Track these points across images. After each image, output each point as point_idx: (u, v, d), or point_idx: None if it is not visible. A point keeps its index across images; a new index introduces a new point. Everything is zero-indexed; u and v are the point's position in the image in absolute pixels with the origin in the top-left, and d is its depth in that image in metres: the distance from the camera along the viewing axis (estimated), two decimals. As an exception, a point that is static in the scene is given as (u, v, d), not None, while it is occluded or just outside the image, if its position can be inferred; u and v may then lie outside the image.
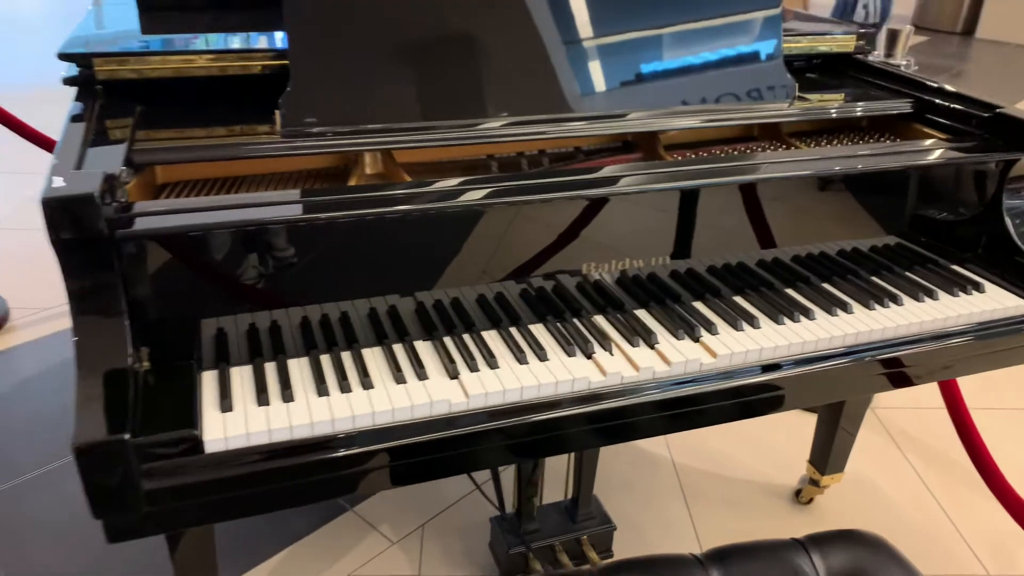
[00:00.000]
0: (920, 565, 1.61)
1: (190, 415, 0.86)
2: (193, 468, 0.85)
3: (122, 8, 1.50)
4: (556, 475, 1.78)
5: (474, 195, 0.99)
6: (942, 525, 1.73)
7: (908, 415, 2.07)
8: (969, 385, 2.21)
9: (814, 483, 1.75)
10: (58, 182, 0.84)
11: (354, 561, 1.58)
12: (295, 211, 0.94)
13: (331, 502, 1.71)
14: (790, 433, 1.98)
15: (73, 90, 1.16)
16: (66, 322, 2.30)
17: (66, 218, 0.82)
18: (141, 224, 0.88)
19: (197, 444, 0.85)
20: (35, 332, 2.28)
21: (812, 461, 1.74)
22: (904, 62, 1.78)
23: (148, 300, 0.91)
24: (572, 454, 1.53)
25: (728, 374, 1.04)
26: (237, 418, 0.88)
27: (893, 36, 1.80)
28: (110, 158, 0.94)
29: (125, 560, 1.56)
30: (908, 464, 1.90)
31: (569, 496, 1.59)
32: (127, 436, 0.80)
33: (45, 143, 2.34)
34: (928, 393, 2.10)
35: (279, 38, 1.26)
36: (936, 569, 1.62)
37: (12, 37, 6.06)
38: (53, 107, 3.98)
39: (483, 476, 1.76)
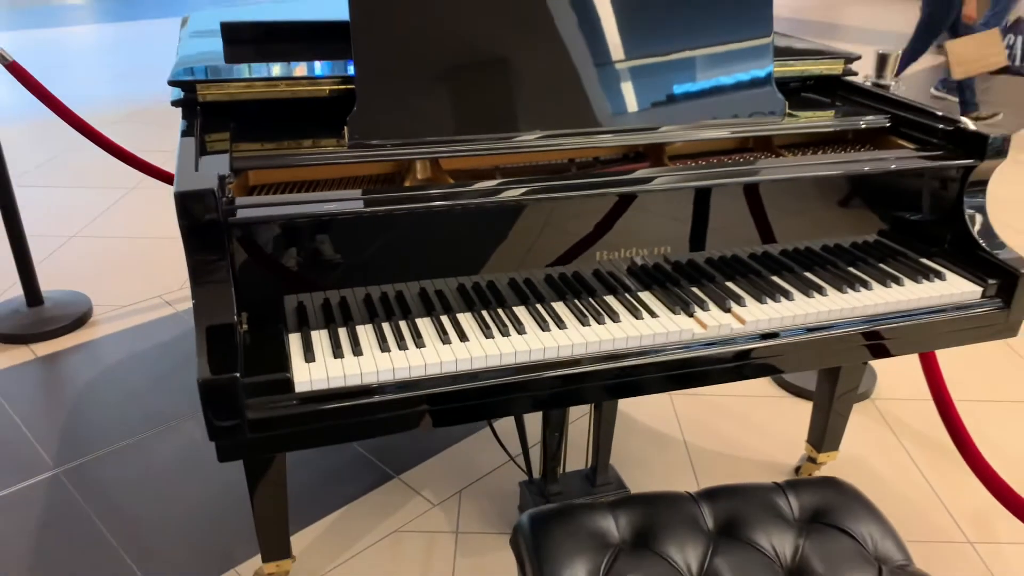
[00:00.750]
0: (906, 532, 1.80)
1: (283, 363, 1.10)
2: (285, 403, 1.08)
3: (206, 39, 1.77)
4: (577, 448, 2.00)
5: (512, 193, 1.22)
6: (928, 498, 1.91)
7: (905, 405, 2.25)
8: (955, 377, 2.38)
9: (811, 460, 1.94)
10: (185, 181, 1.09)
11: (399, 520, 1.80)
12: (359, 205, 1.17)
13: (378, 470, 1.94)
14: (792, 420, 2.17)
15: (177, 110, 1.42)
16: (142, 318, 2.58)
17: (193, 207, 1.06)
18: (243, 214, 1.13)
19: (289, 384, 1.08)
20: (115, 327, 2.55)
21: (810, 440, 1.93)
22: (892, 83, 1.98)
23: (247, 274, 1.15)
24: (591, 427, 1.74)
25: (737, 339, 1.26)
26: (319, 367, 1.11)
27: (883, 60, 2.00)
28: (218, 164, 1.19)
29: (208, 516, 1.80)
30: (901, 447, 2.08)
31: (589, 464, 1.80)
32: (238, 375, 1.04)
33: (127, 158, 2.62)
34: (923, 386, 2.28)
35: (339, 67, 1.50)
36: (921, 536, 1.80)
37: (74, 59, 6.46)
38: (118, 126, 4.28)
39: (515, 448, 1.98)
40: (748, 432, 2.12)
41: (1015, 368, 2.45)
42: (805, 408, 2.21)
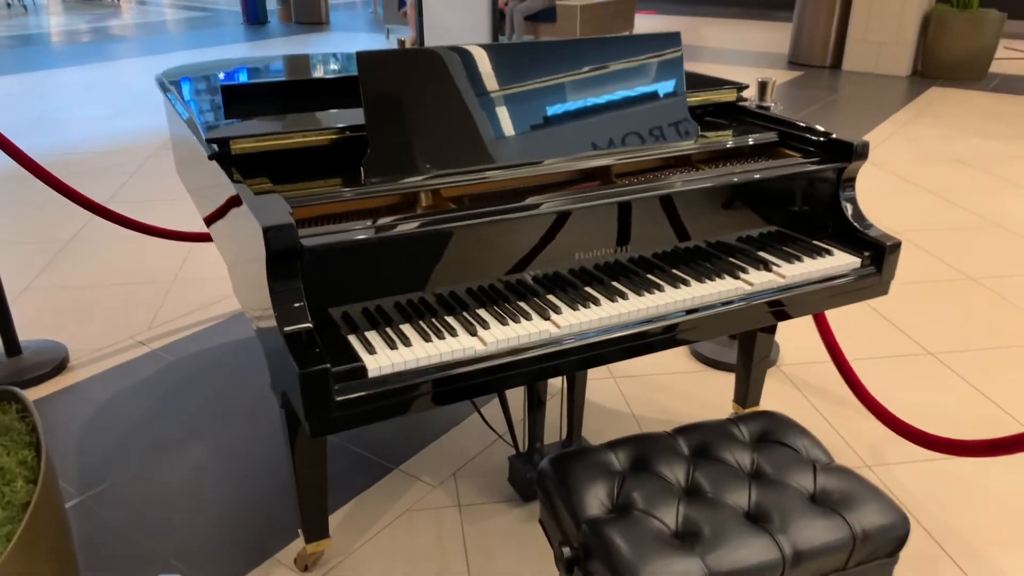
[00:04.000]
0: (819, 463, 2.21)
1: (354, 356, 1.39)
2: (362, 386, 1.37)
3: (205, 100, 2.02)
4: (552, 426, 2.33)
5: (495, 215, 1.56)
6: (833, 437, 2.35)
7: (804, 368, 2.71)
8: (848, 340, 2.87)
9: (739, 416, 2.35)
10: (267, 218, 1.36)
11: (407, 502, 2.08)
12: (404, 228, 1.48)
13: (379, 465, 2.21)
14: (714, 387, 2.58)
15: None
16: (120, 358, 2.74)
17: (279, 238, 1.34)
18: (308, 242, 1.41)
19: (364, 371, 1.38)
20: (95, 369, 2.71)
21: (736, 400, 2.34)
22: (772, 104, 2.44)
23: (311, 288, 1.43)
24: (563, 401, 2.08)
25: (666, 316, 1.63)
26: (381, 357, 1.41)
27: (764, 86, 2.47)
28: (276, 203, 1.46)
29: (233, 518, 2.03)
30: (807, 401, 2.53)
31: (564, 436, 2.14)
32: (328, 365, 1.32)
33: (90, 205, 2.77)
34: (820, 351, 2.75)
35: (335, 117, 1.80)
36: (830, 466, 2.23)
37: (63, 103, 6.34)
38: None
39: (502, 427, 2.30)
40: (681, 401, 2.52)
41: (887, 331, 2.97)
42: (723, 376, 2.63)
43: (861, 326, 3.00)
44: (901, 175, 4.74)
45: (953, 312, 3.11)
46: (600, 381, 2.62)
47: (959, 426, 2.41)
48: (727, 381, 2.62)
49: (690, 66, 8.78)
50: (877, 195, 4.41)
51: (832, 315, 3.07)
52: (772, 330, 2.22)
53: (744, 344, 2.24)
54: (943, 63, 7.44)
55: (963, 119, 6.06)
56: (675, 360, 2.76)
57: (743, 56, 8.89)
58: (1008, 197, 4.39)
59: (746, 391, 2.30)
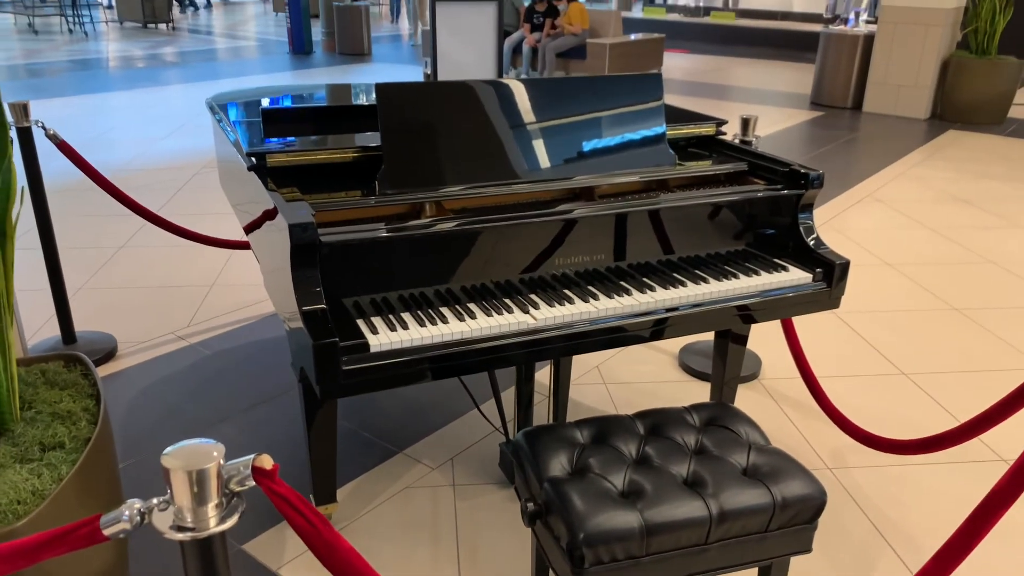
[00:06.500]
0: (783, 464, 2.43)
1: (359, 334, 1.67)
2: (365, 358, 1.65)
3: (246, 122, 2.34)
4: (541, 416, 2.58)
5: (495, 222, 1.83)
6: (800, 443, 2.56)
7: (781, 382, 2.93)
8: (828, 359, 3.08)
9: (714, 420, 2.57)
10: (292, 216, 1.66)
11: (407, 480, 2.34)
12: (398, 233, 1.76)
13: (385, 448, 2.48)
14: (697, 395, 2.81)
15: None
16: (161, 350, 3.05)
17: (301, 233, 1.63)
18: (326, 238, 1.70)
19: (367, 346, 1.65)
20: (140, 358, 3.02)
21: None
22: (753, 139, 2.70)
23: (326, 277, 1.72)
24: (551, 394, 2.33)
25: (651, 312, 1.88)
26: (382, 336, 1.69)
27: (746, 122, 2.73)
28: (302, 206, 1.75)
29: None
30: (781, 411, 2.75)
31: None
32: (337, 339, 1.60)
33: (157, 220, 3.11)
34: (794, 369, 2.97)
35: (356, 139, 2.10)
36: (794, 467, 2.44)
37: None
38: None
39: (497, 420, 2.56)
40: (666, 405, 2.74)
41: (866, 353, 3.18)
42: (707, 387, 2.86)
43: (842, 347, 3.22)
44: (903, 212, 4.94)
45: (932, 338, 3.31)
46: (592, 386, 2.87)
47: (917, 435, 2.61)
48: (705, 389, 2.85)
49: (717, 103, 9.02)
50: (876, 230, 4.62)
51: (815, 336, 3.29)
52: (742, 341, 2.46)
53: (718, 353, 2.48)
54: (961, 107, 7.63)
55: (974, 162, 6.24)
56: (663, 370, 3.00)
57: (768, 95, 9.15)
58: (1005, 236, 4.57)
59: (720, 395, 2.53)
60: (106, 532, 0.94)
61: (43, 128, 2.83)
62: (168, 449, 0.94)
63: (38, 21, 16.13)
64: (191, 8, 20.70)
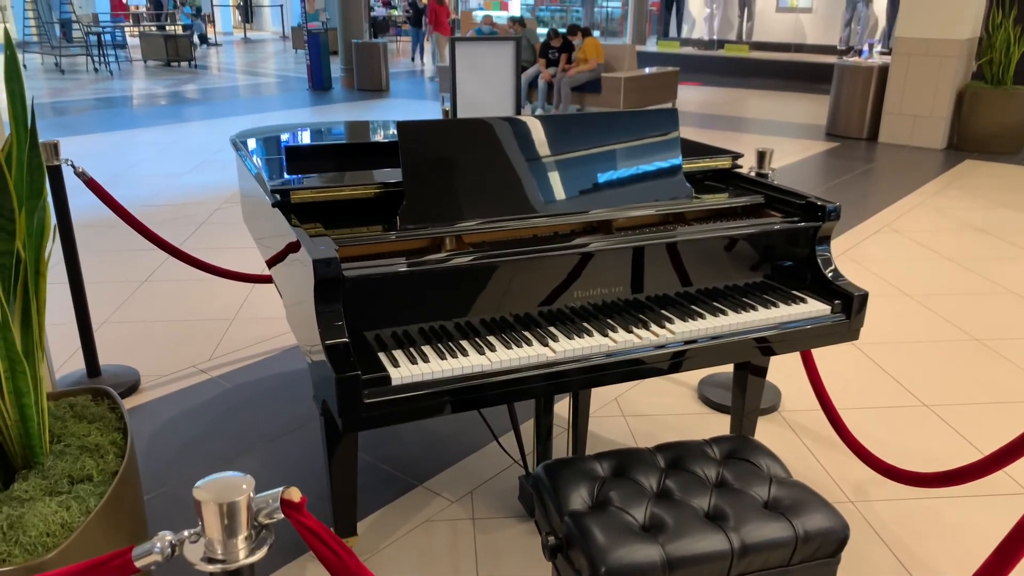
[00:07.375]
0: (804, 497, 2.41)
1: (380, 367, 1.69)
2: (387, 391, 1.67)
3: (274, 155, 2.39)
4: (560, 448, 2.58)
5: (513, 256, 1.86)
6: (822, 476, 2.55)
7: (802, 414, 2.92)
8: (849, 391, 3.07)
9: (734, 452, 2.56)
10: (316, 251, 1.69)
11: (427, 513, 2.34)
12: (418, 267, 1.79)
13: (405, 481, 2.49)
14: (716, 427, 2.80)
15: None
16: (183, 383, 3.08)
17: (325, 268, 1.66)
18: (349, 273, 1.73)
19: (388, 379, 1.67)
20: (163, 391, 3.06)
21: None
22: (770, 171, 2.72)
23: (349, 312, 1.74)
24: (570, 427, 2.34)
25: (669, 344, 1.89)
26: (403, 369, 1.71)
27: (761, 155, 2.75)
28: (326, 241, 1.79)
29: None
30: (801, 443, 2.74)
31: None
32: (360, 372, 1.62)
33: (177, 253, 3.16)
34: (813, 400, 2.95)
35: (378, 175, 2.14)
36: (816, 500, 2.43)
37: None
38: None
39: (516, 452, 2.56)
40: (685, 438, 2.74)
41: (888, 385, 3.16)
42: (726, 419, 2.85)
43: (862, 378, 3.20)
44: (921, 242, 4.93)
45: (953, 369, 3.29)
46: (611, 419, 2.87)
47: (940, 468, 2.58)
48: (724, 421, 2.84)
49: (732, 135, 9.07)
50: (895, 261, 4.61)
51: (836, 368, 3.28)
52: (762, 373, 2.46)
53: (737, 385, 2.47)
54: (977, 137, 7.63)
55: (992, 191, 6.23)
56: (682, 402, 3.00)
57: (784, 127, 9.18)
58: (1025, 266, 4.55)
59: (740, 428, 2.52)
60: (138, 564, 0.95)
61: (72, 166, 2.91)
62: (200, 482, 0.96)
63: (64, 61, 16.52)
64: (204, 46, 21.14)
